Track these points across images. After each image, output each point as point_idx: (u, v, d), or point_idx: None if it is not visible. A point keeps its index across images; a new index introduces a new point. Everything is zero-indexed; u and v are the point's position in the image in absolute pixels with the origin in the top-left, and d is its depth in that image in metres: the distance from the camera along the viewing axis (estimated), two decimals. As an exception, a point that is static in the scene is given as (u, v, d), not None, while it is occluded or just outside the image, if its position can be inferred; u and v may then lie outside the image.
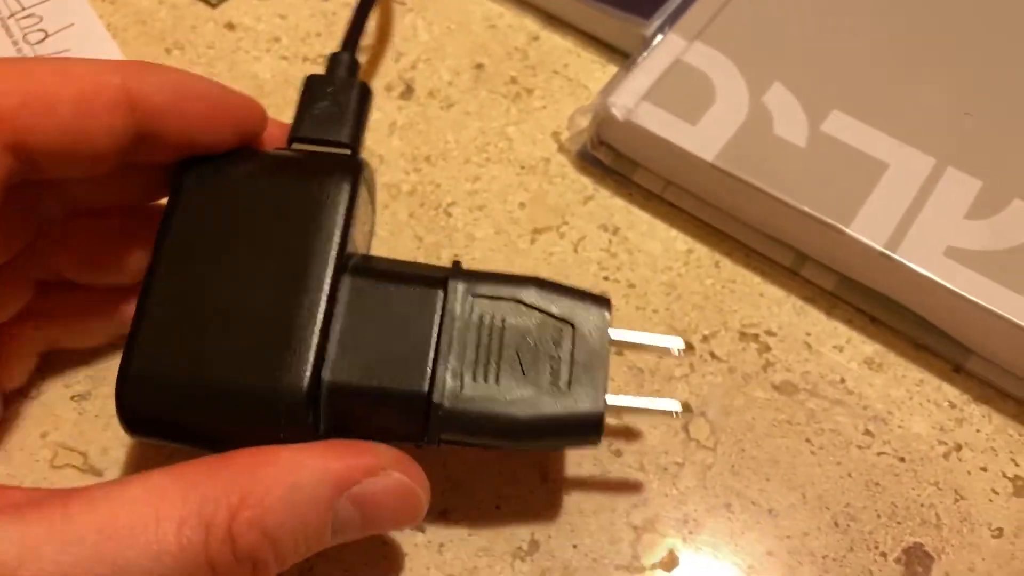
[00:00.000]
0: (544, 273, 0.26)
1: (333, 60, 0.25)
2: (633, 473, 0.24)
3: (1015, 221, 0.25)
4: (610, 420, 0.22)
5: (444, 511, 0.23)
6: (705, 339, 0.26)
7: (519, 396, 0.20)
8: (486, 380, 0.20)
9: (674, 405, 0.21)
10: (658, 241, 0.27)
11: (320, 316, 0.19)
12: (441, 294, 0.20)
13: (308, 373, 0.19)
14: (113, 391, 0.19)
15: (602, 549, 0.22)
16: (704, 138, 0.26)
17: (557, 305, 0.21)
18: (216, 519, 0.16)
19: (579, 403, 0.20)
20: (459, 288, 0.20)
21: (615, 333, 0.21)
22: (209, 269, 0.20)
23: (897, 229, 0.24)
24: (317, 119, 0.23)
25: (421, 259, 0.27)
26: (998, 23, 0.29)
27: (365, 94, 0.24)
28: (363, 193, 0.21)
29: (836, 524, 0.23)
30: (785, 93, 0.27)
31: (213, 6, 0.32)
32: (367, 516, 0.18)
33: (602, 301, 0.21)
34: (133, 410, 0.19)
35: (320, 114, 0.23)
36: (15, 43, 0.30)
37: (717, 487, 0.23)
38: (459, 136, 0.29)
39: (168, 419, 0.19)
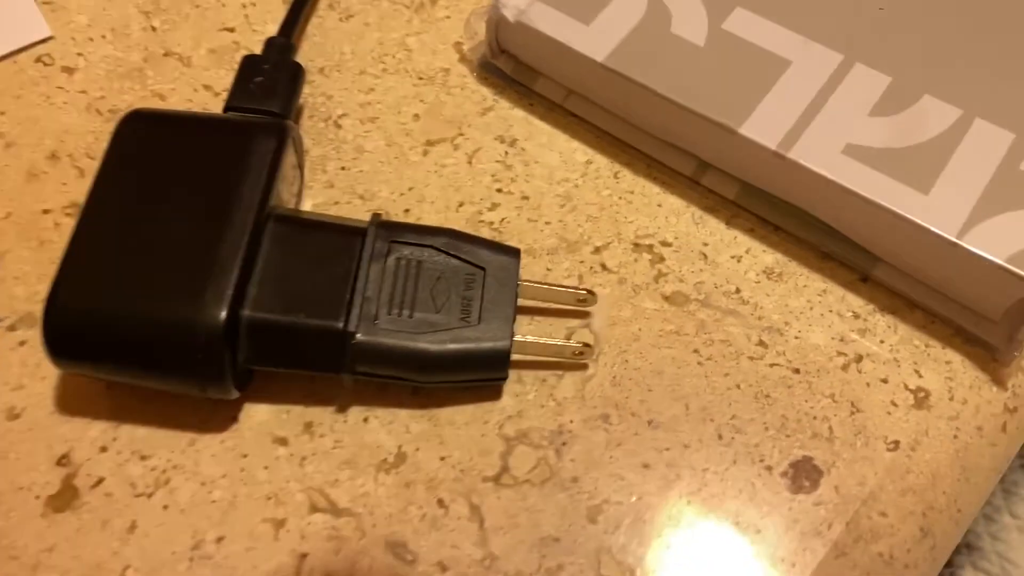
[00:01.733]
0: (434, 186, 0.25)
1: (269, 43, 0.27)
2: (510, 385, 0.22)
3: (923, 117, 0.23)
4: (517, 358, 0.22)
5: (308, 424, 0.22)
6: (597, 250, 0.24)
7: (431, 331, 0.21)
8: (400, 316, 0.21)
9: (576, 345, 0.22)
10: (556, 152, 0.26)
11: (240, 256, 0.20)
12: (360, 239, 0.22)
13: (226, 307, 0.20)
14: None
15: (471, 461, 0.21)
16: (596, 38, 0.25)
17: (470, 252, 0.22)
18: None
19: (487, 339, 0.21)
20: (377, 234, 0.22)
21: (524, 278, 0.23)
22: (138, 211, 0.21)
23: (793, 128, 0.23)
24: (251, 92, 0.25)
25: (306, 172, 0.26)
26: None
27: (297, 72, 0.26)
28: (290, 156, 0.23)
29: (720, 437, 0.22)
30: (687, -9, 0.25)
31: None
32: None
33: (512, 251, 0.23)
34: (58, 340, 0.20)
35: (254, 88, 0.25)
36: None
37: (596, 398, 0.22)
38: (356, 47, 0.28)
39: (93, 349, 0.21)
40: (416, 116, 0.27)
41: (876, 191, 0.22)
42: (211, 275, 0.20)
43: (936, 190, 0.22)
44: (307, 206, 0.25)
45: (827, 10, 0.25)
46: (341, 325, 0.20)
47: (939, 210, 0.22)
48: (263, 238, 0.21)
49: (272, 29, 0.28)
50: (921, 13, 0.25)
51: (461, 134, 0.27)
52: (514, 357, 0.22)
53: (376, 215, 0.22)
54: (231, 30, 0.28)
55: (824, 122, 0.23)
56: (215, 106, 0.27)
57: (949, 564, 0.41)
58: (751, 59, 0.24)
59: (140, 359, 0.20)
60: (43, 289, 0.24)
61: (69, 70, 0.28)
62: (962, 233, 0.21)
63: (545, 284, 0.23)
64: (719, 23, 0.25)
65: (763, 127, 0.23)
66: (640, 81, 0.24)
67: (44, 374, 0.23)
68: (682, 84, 0.24)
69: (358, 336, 0.20)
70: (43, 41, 0.28)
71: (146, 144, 0.22)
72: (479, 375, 0.22)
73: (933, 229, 0.21)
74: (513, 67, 0.27)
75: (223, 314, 0.20)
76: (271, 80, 0.25)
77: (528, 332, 0.23)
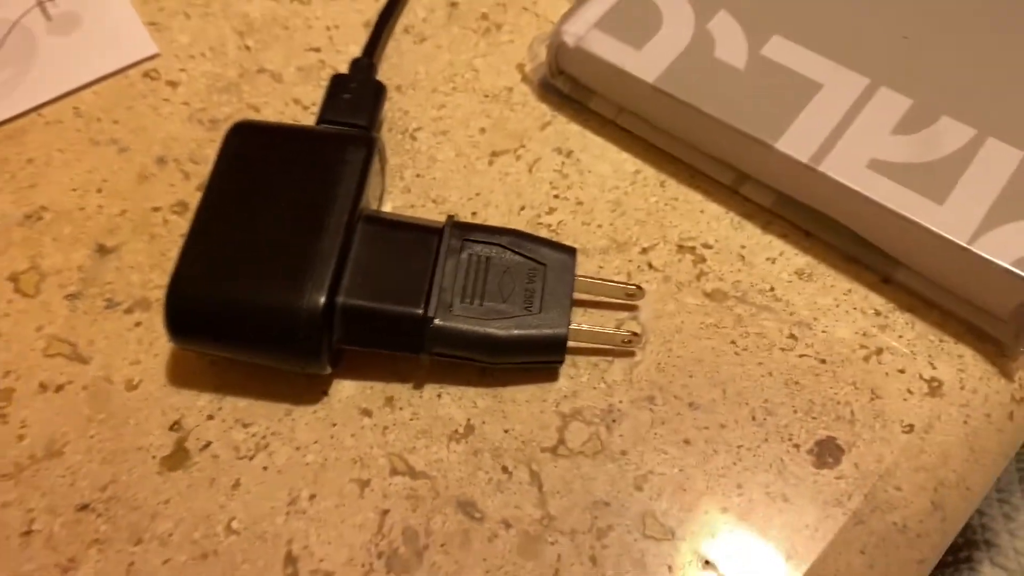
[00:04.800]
0: (498, 191, 0.28)
1: (354, 63, 0.30)
2: (565, 368, 0.25)
3: (941, 135, 0.26)
4: (573, 344, 0.25)
5: (390, 398, 0.25)
6: (644, 251, 0.27)
7: (498, 318, 0.24)
8: (471, 304, 0.24)
9: (624, 334, 0.25)
10: (608, 163, 0.29)
11: (336, 250, 0.23)
12: (437, 238, 0.25)
13: (325, 294, 0.23)
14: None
15: (531, 433, 0.24)
16: (647, 62, 0.27)
17: (532, 250, 0.25)
18: None
19: (547, 326, 0.24)
20: (452, 233, 0.25)
21: (580, 273, 0.25)
22: (246, 210, 0.24)
23: (823, 144, 0.26)
24: (340, 107, 0.28)
25: (387, 179, 0.29)
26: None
27: (380, 91, 0.29)
28: (376, 164, 0.26)
29: (753, 418, 0.25)
30: (729, 20, 0.28)
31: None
32: None
33: (569, 249, 0.25)
34: (178, 320, 0.24)
35: (343, 104, 0.28)
36: (31, -13, 0.33)
37: (642, 382, 0.25)
38: (429, 68, 0.31)
39: (207, 329, 0.24)
40: (482, 130, 0.30)
41: (896, 201, 0.25)
42: (311, 266, 0.23)
43: (950, 201, 0.24)
44: (387, 208, 0.28)
45: (856, 38, 0.28)
46: (421, 311, 0.23)
47: (952, 219, 0.24)
48: (354, 236, 0.24)
49: (353, 50, 0.32)
50: (940, 41, 0.27)
51: (523, 146, 0.30)
52: (570, 344, 0.25)
53: (451, 216, 0.25)
54: (317, 50, 0.32)
55: (851, 139, 0.26)
56: (304, 118, 0.30)
57: (968, 560, 0.43)
58: (786, 81, 0.27)
59: (248, 338, 0.24)
60: (155, 277, 0.27)
61: (173, 84, 0.31)
62: (973, 239, 0.24)
63: (599, 279, 0.26)
64: (758, 49, 0.27)
65: (796, 142, 0.26)
66: (686, 101, 0.27)
67: (157, 351, 0.26)
68: (724, 103, 0.27)
69: (436, 321, 0.23)
70: (150, 58, 0.32)
71: (251, 152, 0.25)
72: (538, 357, 0.25)
73: (946, 236, 0.24)
74: (570, 87, 0.30)
75: (322, 300, 0.23)
76: (357, 96, 0.28)
77: (583, 321, 0.26)
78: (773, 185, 0.27)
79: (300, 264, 0.23)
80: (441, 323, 0.24)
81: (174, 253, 0.27)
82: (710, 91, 0.27)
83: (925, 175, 0.25)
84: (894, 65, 0.27)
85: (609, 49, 0.28)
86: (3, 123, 0.30)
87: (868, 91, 0.27)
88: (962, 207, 0.24)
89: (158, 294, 0.27)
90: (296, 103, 0.30)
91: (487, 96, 0.31)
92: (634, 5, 0.29)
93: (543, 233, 0.28)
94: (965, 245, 0.24)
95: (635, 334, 0.25)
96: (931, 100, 0.26)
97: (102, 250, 0.28)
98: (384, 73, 0.31)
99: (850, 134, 0.26)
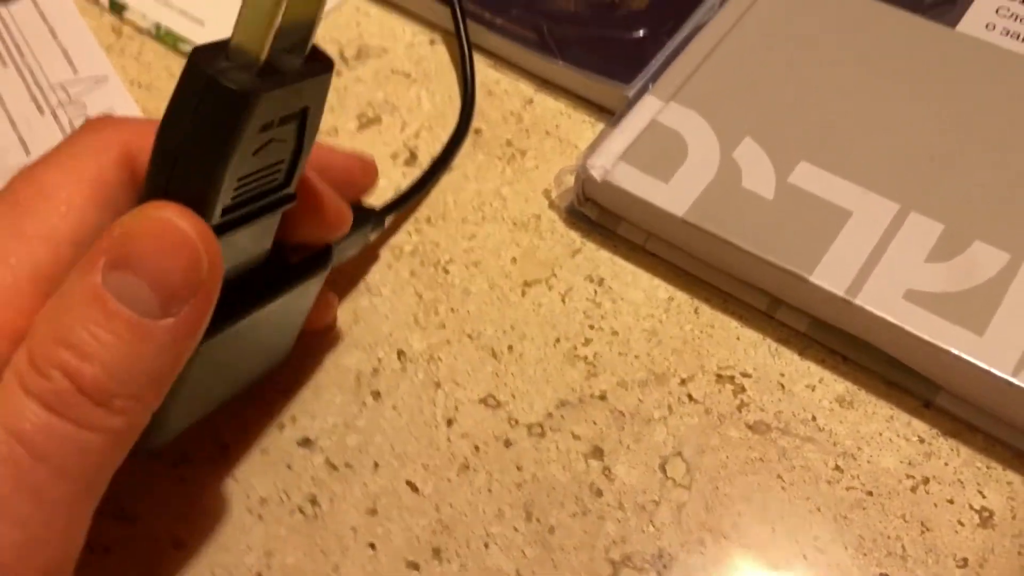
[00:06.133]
0: (533, 323, 0.29)
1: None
2: (612, 512, 0.25)
3: (974, 263, 0.26)
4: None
5: (436, 550, 0.25)
6: (683, 382, 0.27)
7: None
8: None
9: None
10: (641, 290, 0.29)
11: None
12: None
13: None
14: None
15: (582, 583, 0.24)
16: (676, 194, 0.28)
17: None
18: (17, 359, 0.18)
19: None
20: None
21: None
22: None
23: (858, 275, 0.26)
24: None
25: (420, 315, 0.29)
26: (959, 73, 0.30)
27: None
28: None
29: (805, 557, 0.24)
30: (755, 147, 0.28)
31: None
32: (135, 265, 0.18)
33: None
34: None
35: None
36: (62, 129, 0.34)
37: (691, 523, 0.25)
38: (457, 197, 0.32)
39: None
40: (513, 259, 0.30)
41: (936, 334, 0.25)
42: None
43: (990, 331, 0.24)
44: (423, 345, 0.28)
45: (882, 161, 0.28)
46: None
47: (994, 350, 0.24)
48: None
49: (383, 184, 0.32)
50: (968, 162, 0.28)
51: (554, 275, 0.30)
52: None
53: None
54: (346, 184, 0.32)
55: (886, 269, 0.26)
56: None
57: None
58: (816, 210, 0.27)
59: None
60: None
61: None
62: (1017, 370, 0.24)
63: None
64: (785, 177, 0.28)
65: (831, 274, 0.26)
66: (717, 234, 0.27)
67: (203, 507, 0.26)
68: (755, 235, 0.27)
69: None
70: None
71: None
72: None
73: (989, 369, 0.24)
74: (598, 214, 0.30)
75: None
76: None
77: (602, 433, 0.26)
78: (810, 312, 0.27)
79: None
80: None
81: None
82: (740, 223, 0.27)
83: (963, 304, 0.25)
84: (923, 188, 0.27)
85: (637, 183, 0.28)
86: None
87: (899, 217, 0.27)
88: (1003, 337, 0.24)
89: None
90: (328, 240, 0.31)
91: (516, 224, 0.31)
92: (659, 136, 0.29)
93: (580, 366, 0.28)
94: (1009, 378, 0.24)
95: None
96: (962, 224, 0.26)
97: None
98: (413, 202, 0.32)
99: (884, 263, 0.26)
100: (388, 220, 0.30)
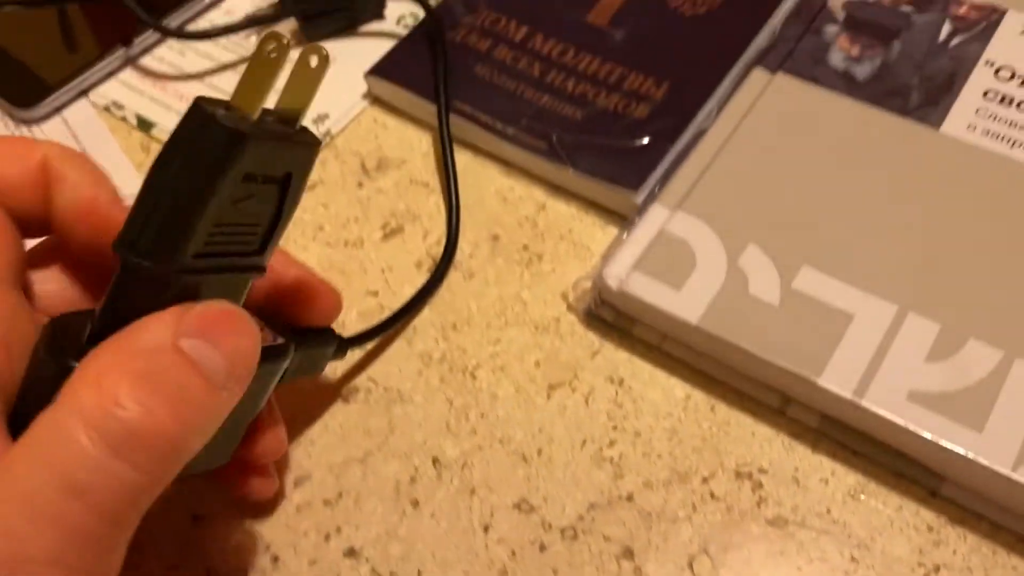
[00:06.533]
0: (560, 426, 0.30)
1: None
2: (645, 609, 0.27)
3: (971, 361, 0.28)
4: None
5: (482, 653, 0.26)
6: (705, 480, 0.29)
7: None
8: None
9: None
10: (659, 389, 0.31)
11: None
12: None
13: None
14: None
15: None
16: (688, 302, 0.30)
17: None
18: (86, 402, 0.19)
19: None
20: None
21: None
22: None
23: (863, 377, 0.28)
24: None
25: (452, 421, 0.31)
26: (944, 174, 0.32)
27: None
28: None
29: (828, 648, 0.26)
30: (759, 254, 0.31)
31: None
32: (214, 341, 0.20)
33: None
34: None
35: None
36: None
37: (719, 619, 0.27)
38: (480, 303, 0.34)
39: None
40: (537, 363, 0.32)
41: (938, 432, 0.26)
42: None
43: (989, 428, 0.26)
44: (456, 452, 0.30)
45: (878, 263, 0.30)
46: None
47: (993, 446, 0.26)
48: None
49: (407, 290, 0.34)
50: (958, 261, 0.30)
51: (576, 377, 0.32)
52: None
53: None
54: (375, 294, 0.34)
55: (888, 370, 0.28)
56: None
57: None
58: (820, 314, 0.29)
59: None
60: None
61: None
62: (1016, 466, 0.26)
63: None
64: (789, 282, 0.30)
65: (838, 377, 0.28)
66: (729, 340, 0.29)
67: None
68: (765, 340, 0.29)
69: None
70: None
71: None
72: None
73: (990, 465, 0.26)
74: (614, 317, 0.32)
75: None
76: None
77: (632, 533, 0.27)
78: (820, 409, 0.29)
79: None
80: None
81: None
82: (750, 329, 0.29)
83: (962, 403, 0.27)
84: (918, 288, 0.29)
85: (651, 292, 0.30)
86: None
87: (898, 318, 0.29)
88: (1001, 434, 0.26)
89: None
90: (360, 350, 0.33)
91: (538, 328, 0.33)
92: (668, 245, 0.31)
93: (606, 467, 0.29)
94: (1009, 474, 0.26)
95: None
96: (957, 323, 0.28)
97: None
98: (439, 311, 0.33)
99: (887, 365, 0.28)
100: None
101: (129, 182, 0.38)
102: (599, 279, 0.31)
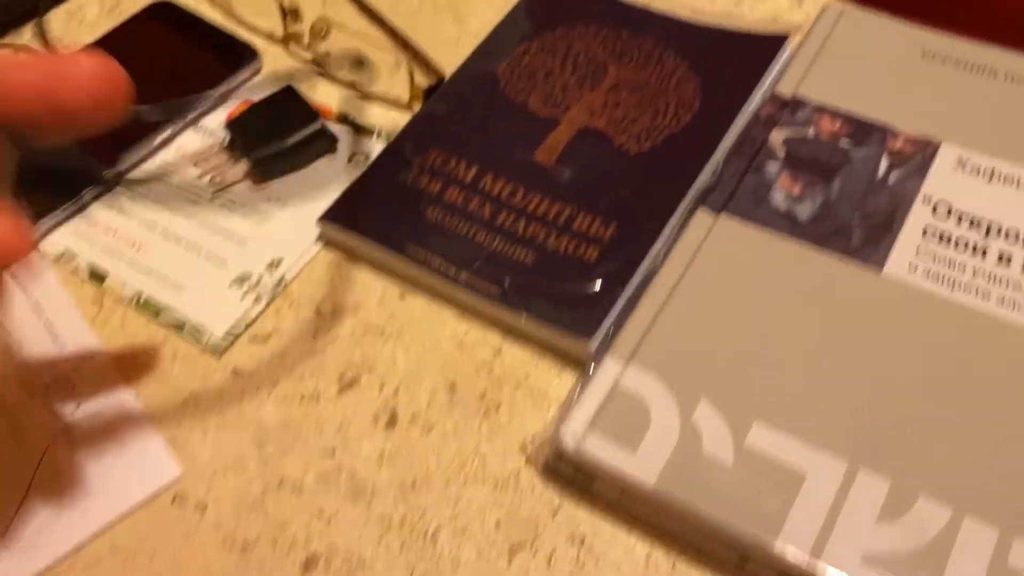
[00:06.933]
0: (521, 595, 0.30)
1: None
2: None
3: (921, 520, 0.28)
4: None
5: None
6: (667, 645, 0.29)
7: None
8: None
9: None
10: (620, 548, 0.31)
11: None
12: None
13: None
14: None
15: None
16: (644, 464, 0.30)
17: None
18: None
19: None
20: None
21: None
22: None
23: (817, 540, 0.28)
24: None
25: (414, 590, 0.31)
26: (888, 319, 0.33)
27: None
28: None
29: None
30: (711, 410, 0.31)
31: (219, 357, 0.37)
32: None
33: None
34: None
35: None
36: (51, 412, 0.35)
37: None
38: (439, 459, 0.34)
39: None
40: (498, 523, 0.32)
41: (895, 596, 0.27)
42: None
43: (943, 590, 0.27)
44: (419, 625, 0.30)
45: (827, 415, 0.31)
46: None
47: (948, 611, 0.26)
48: None
49: (367, 447, 0.34)
50: (904, 412, 0.30)
51: (538, 536, 0.32)
52: None
53: None
54: (331, 453, 0.34)
55: (842, 532, 0.28)
56: (329, 532, 0.32)
57: None
58: (774, 474, 0.29)
59: None
60: None
61: (202, 508, 0.33)
62: (970, 631, 0.26)
63: None
64: (742, 440, 0.30)
65: (793, 539, 0.28)
66: (685, 504, 0.29)
67: None
68: (720, 502, 0.29)
69: None
70: (176, 480, 0.34)
71: None
72: None
73: (945, 633, 0.26)
74: (573, 472, 0.32)
75: None
76: None
77: None
78: (776, 568, 0.29)
79: None
80: None
81: None
82: (705, 491, 0.29)
83: (915, 563, 0.27)
84: (866, 442, 0.30)
85: (607, 453, 0.30)
86: (45, 571, 0.32)
87: (848, 476, 0.29)
88: (954, 598, 0.27)
89: None
90: (320, 515, 0.32)
91: (497, 484, 0.33)
92: (622, 401, 0.31)
93: (570, 633, 0.29)
94: (963, 642, 0.26)
95: None
96: (907, 480, 0.29)
97: None
98: (398, 467, 0.33)
99: (840, 527, 0.28)
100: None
101: (82, 338, 0.37)
102: (556, 437, 0.31)
